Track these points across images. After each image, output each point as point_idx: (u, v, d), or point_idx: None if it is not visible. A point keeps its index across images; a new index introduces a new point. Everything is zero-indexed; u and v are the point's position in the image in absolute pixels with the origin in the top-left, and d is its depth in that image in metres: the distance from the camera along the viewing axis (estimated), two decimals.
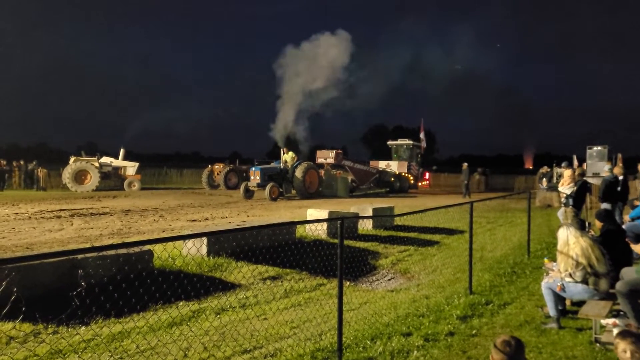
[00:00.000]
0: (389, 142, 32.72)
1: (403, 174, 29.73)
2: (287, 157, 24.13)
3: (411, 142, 31.54)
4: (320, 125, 29.45)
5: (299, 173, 23.13)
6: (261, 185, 22.22)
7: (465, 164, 26.70)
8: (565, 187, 10.78)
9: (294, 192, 23.85)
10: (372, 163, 30.68)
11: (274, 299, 6.63)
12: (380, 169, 29.71)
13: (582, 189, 10.87)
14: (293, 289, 7.15)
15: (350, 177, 27.20)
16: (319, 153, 27.73)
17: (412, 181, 30.26)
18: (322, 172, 25.46)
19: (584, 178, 12.57)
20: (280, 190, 22.84)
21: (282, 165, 23.82)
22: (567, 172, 11.10)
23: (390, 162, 30.57)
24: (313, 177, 24.31)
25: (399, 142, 32.01)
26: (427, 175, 33.22)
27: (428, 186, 33.26)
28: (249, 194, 22.57)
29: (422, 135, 33.09)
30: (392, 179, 29.16)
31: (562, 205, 11.15)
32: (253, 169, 23.30)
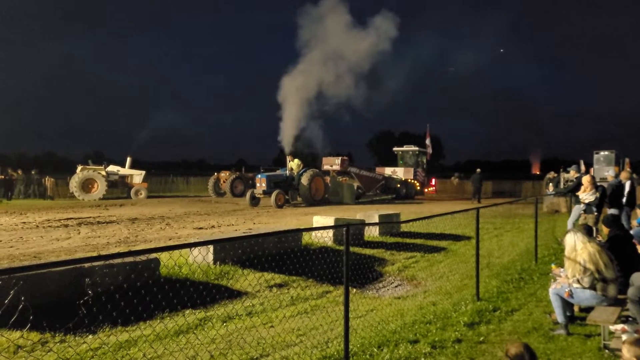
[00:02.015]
0: (394, 149, 32.70)
1: (409, 180, 29.68)
2: (293, 164, 24.13)
3: (417, 148, 31.51)
4: (326, 132, 29.32)
5: (304, 180, 23.11)
6: (267, 193, 22.22)
7: (478, 170, 27.99)
8: (588, 194, 10.54)
9: (299, 199, 23.85)
10: (378, 169, 30.65)
11: (280, 306, 6.62)
12: (387, 176, 29.69)
13: (603, 196, 10.71)
14: (299, 296, 7.15)
15: (356, 184, 27.18)
16: (324, 160, 27.74)
17: (418, 187, 30.21)
18: (327, 178, 25.43)
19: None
20: (286, 197, 22.85)
21: (288, 172, 23.85)
22: (586, 179, 10.81)
23: (396, 169, 30.54)
24: (319, 184, 24.28)
25: (405, 148, 31.99)
26: (433, 181, 33.16)
27: (434, 192, 33.18)
28: (255, 201, 22.58)
29: (428, 142, 33.08)
30: (398, 185, 29.13)
31: (582, 212, 10.92)
32: (259, 176, 23.33)
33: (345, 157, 27.88)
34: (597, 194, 10.48)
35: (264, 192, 22.38)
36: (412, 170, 30.08)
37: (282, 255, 8.36)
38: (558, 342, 5.21)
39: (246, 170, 33.20)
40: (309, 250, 9.32)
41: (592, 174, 21.17)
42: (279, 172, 24.65)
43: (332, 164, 27.00)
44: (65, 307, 5.28)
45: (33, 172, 29.23)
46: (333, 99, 27.65)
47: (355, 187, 26.83)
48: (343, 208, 21.67)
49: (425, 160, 31.82)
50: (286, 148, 25.59)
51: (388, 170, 30.46)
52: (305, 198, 23.29)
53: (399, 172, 30.09)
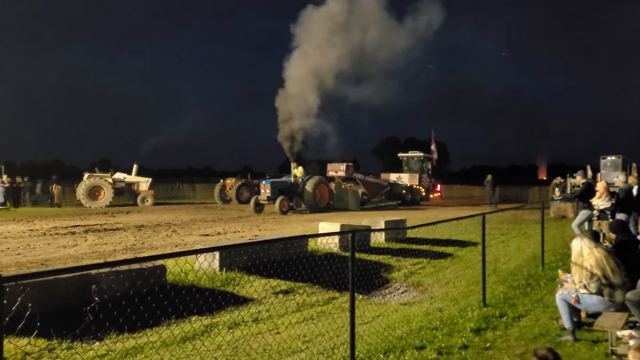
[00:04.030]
0: (399, 154, 32.55)
1: (414, 186, 29.54)
2: (297, 171, 24.05)
3: (422, 153, 31.34)
4: (332, 138, 29.04)
5: (309, 187, 23.01)
6: (271, 199, 22.17)
7: (489, 176, 28.00)
8: (603, 200, 10.40)
9: (304, 206, 23.71)
10: (383, 175, 30.54)
11: (286, 313, 6.63)
12: (392, 182, 29.58)
13: (617, 202, 10.60)
14: (305, 302, 7.14)
15: (361, 190, 27.07)
16: (329, 166, 27.55)
17: (424, 193, 30.06)
18: (332, 185, 25.31)
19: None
20: (291, 204, 22.75)
21: (292, 179, 23.83)
22: (602, 185, 10.62)
23: (401, 174, 30.41)
24: (323, 191, 24.15)
25: (410, 154, 31.85)
26: (438, 187, 33.01)
27: (440, 198, 33.02)
28: (259, 207, 22.50)
29: (433, 147, 32.96)
30: (404, 191, 28.98)
31: (596, 218, 10.80)
32: (263, 182, 23.26)
33: (350, 164, 27.62)
34: (613, 200, 10.36)
35: (268, 199, 22.32)
36: (417, 176, 29.90)
37: (288, 261, 8.36)
38: (565, 348, 5.18)
39: (252, 177, 33.24)
40: (315, 257, 9.32)
41: (600, 179, 21.11)
42: (284, 178, 24.65)
43: (337, 170, 26.88)
44: (72, 314, 5.31)
45: (26, 179, 29.06)
46: (341, 101, 27.44)
47: (360, 194, 26.76)
48: (349, 214, 21.66)
49: (430, 166, 31.66)
50: (290, 155, 25.40)
51: (393, 176, 30.34)
52: (310, 205, 23.20)
53: (404, 178, 29.95)
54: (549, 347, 2.97)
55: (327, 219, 17.35)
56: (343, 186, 26.08)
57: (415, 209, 26.06)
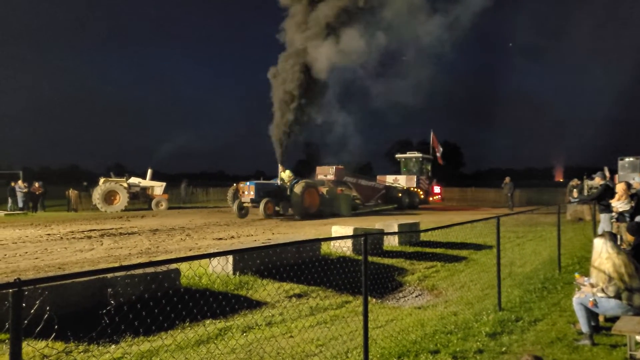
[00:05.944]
0: (397, 155, 31.12)
1: (412, 188, 28.13)
2: (284, 175, 22.81)
3: (420, 154, 29.94)
4: (340, 139, 28.24)
5: (297, 191, 21.52)
6: (255, 201, 20.95)
7: (507, 178, 27.84)
8: (623, 203, 10.22)
9: (291, 211, 22.04)
10: (379, 178, 29.22)
11: (300, 316, 6.63)
12: (388, 184, 28.20)
13: (638, 204, 10.40)
14: (319, 306, 7.14)
15: (352, 194, 25.75)
16: (318, 169, 26.10)
17: (422, 196, 28.59)
18: (323, 189, 23.82)
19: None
20: (277, 208, 21.52)
21: (279, 182, 22.59)
22: (620, 186, 10.43)
23: (398, 177, 29.07)
24: (313, 195, 22.56)
25: (408, 154, 30.48)
26: (438, 189, 31.21)
27: (440, 200, 31.45)
28: (243, 211, 21.09)
29: (439, 148, 31.83)
30: (400, 195, 27.43)
31: (615, 220, 10.63)
32: (247, 183, 21.90)
33: (340, 166, 25.89)
34: (632, 203, 10.17)
35: (252, 201, 21.08)
36: (414, 177, 28.49)
37: (301, 265, 8.37)
38: (583, 352, 5.11)
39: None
40: (328, 260, 9.31)
41: (617, 180, 20.76)
42: (271, 181, 23.42)
43: (326, 173, 25.33)
44: (88, 317, 5.37)
45: (41, 184, 29.16)
46: (353, 103, 27.10)
47: (352, 198, 25.37)
48: (361, 218, 21.58)
49: (430, 167, 30.21)
50: (279, 156, 24.30)
51: (389, 179, 29.01)
52: (298, 210, 21.55)
53: (401, 180, 28.57)
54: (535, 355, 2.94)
55: (340, 222, 17.31)
56: (334, 190, 24.42)
57: (428, 212, 25.65)
